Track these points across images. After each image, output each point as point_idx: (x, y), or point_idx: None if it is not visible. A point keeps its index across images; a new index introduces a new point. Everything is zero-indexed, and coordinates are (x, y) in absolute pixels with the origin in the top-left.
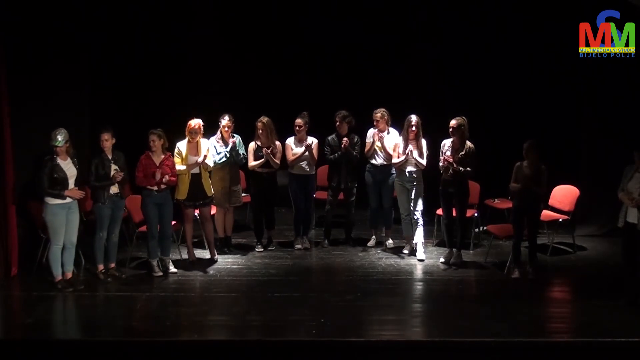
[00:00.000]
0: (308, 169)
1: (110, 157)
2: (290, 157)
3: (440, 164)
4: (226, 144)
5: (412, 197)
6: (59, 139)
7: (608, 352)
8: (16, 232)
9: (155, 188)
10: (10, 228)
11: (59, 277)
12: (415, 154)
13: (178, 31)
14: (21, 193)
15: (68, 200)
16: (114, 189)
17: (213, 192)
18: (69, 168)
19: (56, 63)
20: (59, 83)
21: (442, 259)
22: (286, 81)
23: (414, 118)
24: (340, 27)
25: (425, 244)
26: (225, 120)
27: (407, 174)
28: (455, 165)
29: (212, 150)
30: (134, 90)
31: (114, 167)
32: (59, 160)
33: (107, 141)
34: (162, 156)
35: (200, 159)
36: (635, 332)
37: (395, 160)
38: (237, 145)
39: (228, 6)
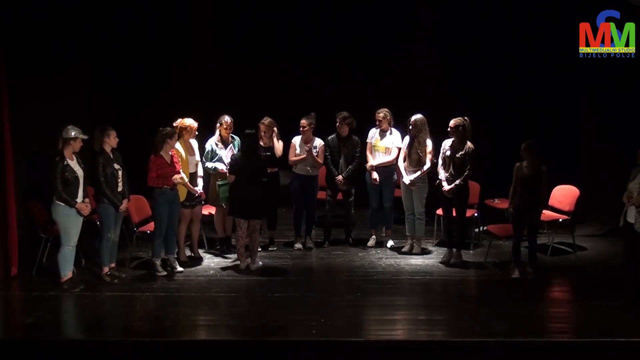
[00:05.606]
0: (310, 170)
1: (112, 157)
2: (292, 157)
3: (445, 189)
4: (225, 145)
5: (414, 196)
6: (75, 133)
7: (608, 352)
8: (16, 232)
9: (170, 186)
10: (10, 228)
11: (66, 278)
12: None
13: (179, 30)
14: (21, 193)
15: (77, 200)
16: (119, 187)
17: (210, 191)
18: (77, 168)
19: (56, 63)
20: (59, 83)
21: (441, 259)
22: (287, 81)
23: (412, 118)
24: (342, 26)
25: (421, 242)
26: (226, 121)
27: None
28: (452, 187)
29: (211, 152)
30: (134, 91)
31: (116, 166)
32: (68, 161)
33: (116, 139)
34: (170, 154)
35: (199, 190)
36: (635, 332)
37: (400, 163)
38: (236, 147)
39: (229, 6)
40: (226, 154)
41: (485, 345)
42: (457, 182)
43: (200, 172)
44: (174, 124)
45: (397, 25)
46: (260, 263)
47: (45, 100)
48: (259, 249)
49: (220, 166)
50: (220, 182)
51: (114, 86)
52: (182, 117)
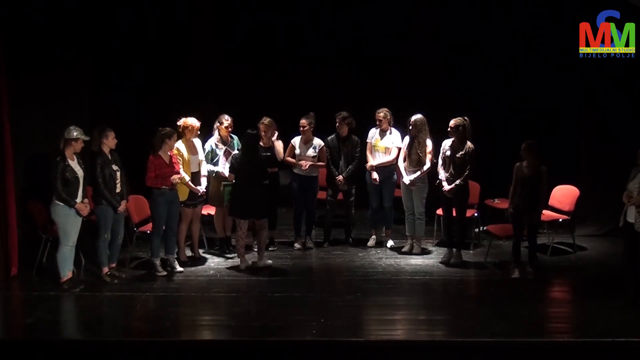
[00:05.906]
0: (310, 171)
1: (110, 158)
2: (288, 157)
3: (445, 189)
4: (225, 144)
5: (414, 196)
6: (77, 134)
7: (608, 352)
8: (16, 232)
9: (169, 186)
10: (10, 228)
11: (66, 278)
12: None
13: (179, 30)
14: (21, 193)
15: (77, 200)
16: (117, 188)
17: (210, 192)
18: (78, 169)
19: (56, 63)
20: (59, 83)
21: (441, 259)
22: (287, 81)
23: (412, 118)
24: (342, 26)
25: (421, 242)
26: (226, 119)
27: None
28: (452, 187)
29: (211, 153)
30: (134, 91)
31: (114, 167)
32: (69, 161)
33: (114, 140)
34: (169, 154)
35: (202, 190)
36: (635, 332)
37: (400, 163)
38: (234, 146)
39: (229, 6)
40: (221, 156)
41: (485, 345)
42: (457, 182)
43: (204, 171)
44: (178, 123)
45: (397, 25)
46: (269, 261)
47: (45, 100)
48: None
49: (221, 169)
50: (225, 183)
51: (114, 86)
52: (186, 117)
